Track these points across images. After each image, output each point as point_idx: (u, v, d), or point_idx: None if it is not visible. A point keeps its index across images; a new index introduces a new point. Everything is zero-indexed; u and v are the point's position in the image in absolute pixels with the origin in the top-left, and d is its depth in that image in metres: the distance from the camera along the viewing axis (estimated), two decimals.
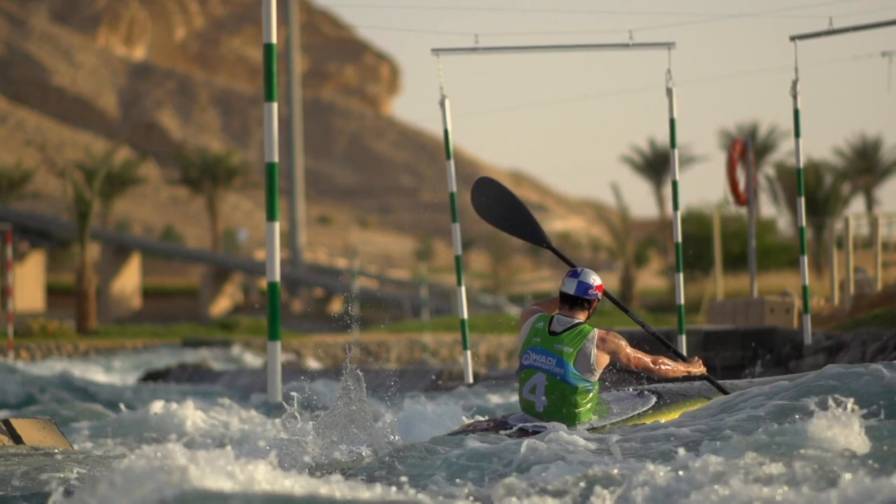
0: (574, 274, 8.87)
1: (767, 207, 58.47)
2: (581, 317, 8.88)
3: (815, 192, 53.00)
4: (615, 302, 9.74)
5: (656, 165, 66.77)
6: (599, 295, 8.89)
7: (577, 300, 8.84)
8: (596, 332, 8.80)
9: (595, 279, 8.86)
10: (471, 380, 13.64)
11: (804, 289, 13.84)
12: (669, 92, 13.06)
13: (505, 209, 9.90)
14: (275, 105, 8.06)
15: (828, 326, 19.01)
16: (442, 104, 13.22)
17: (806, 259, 13.72)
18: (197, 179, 73.90)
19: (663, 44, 13.14)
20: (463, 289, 13.38)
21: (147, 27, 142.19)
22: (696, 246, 47.37)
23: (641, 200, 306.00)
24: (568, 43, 14.10)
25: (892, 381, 8.32)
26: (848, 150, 65.15)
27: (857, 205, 62.46)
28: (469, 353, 13.42)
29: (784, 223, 58.79)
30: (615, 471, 6.99)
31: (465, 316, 13.37)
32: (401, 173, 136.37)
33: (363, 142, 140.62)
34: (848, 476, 6.53)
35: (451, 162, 13.28)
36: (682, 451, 7.16)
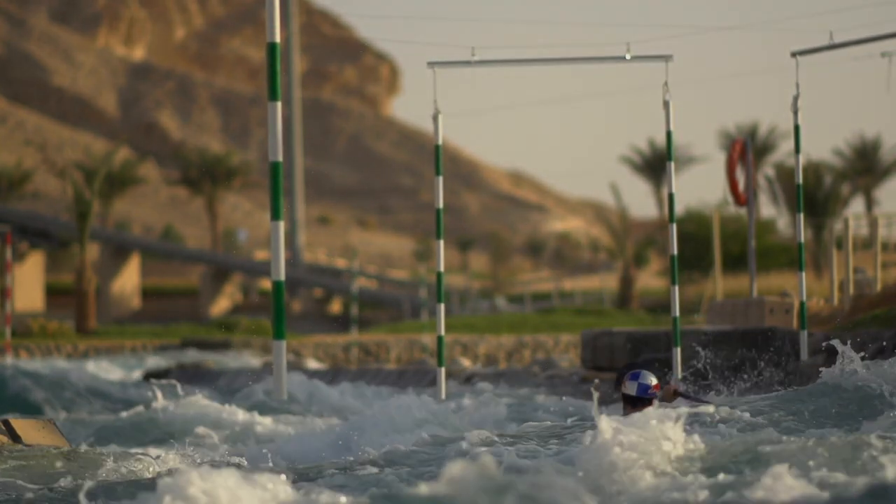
0: (634, 376, 9.85)
1: (767, 208, 58.49)
2: None
3: (814, 192, 52.96)
4: (688, 397, 10.74)
5: (656, 166, 66.73)
6: (659, 394, 9.84)
7: (638, 400, 9.77)
8: None
9: (652, 380, 9.86)
10: (443, 396, 13.72)
11: (801, 305, 13.85)
12: (666, 104, 13.01)
13: None
14: (278, 105, 8.04)
15: (827, 327, 18.99)
16: (435, 119, 13.15)
17: (804, 275, 13.74)
18: (197, 179, 73.91)
19: (661, 56, 13.10)
20: (442, 306, 13.37)
21: (147, 27, 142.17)
22: (695, 246, 47.31)
23: (641, 201, 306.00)
24: (565, 56, 14.07)
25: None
26: (847, 150, 65.15)
27: (857, 205, 62.48)
28: (443, 370, 13.42)
29: (784, 223, 58.79)
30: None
31: (443, 332, 13.36)
32: (400, 173, 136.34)
33: (363, 142, 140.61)
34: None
35: (440, 178, 13.21)
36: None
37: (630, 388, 9.78)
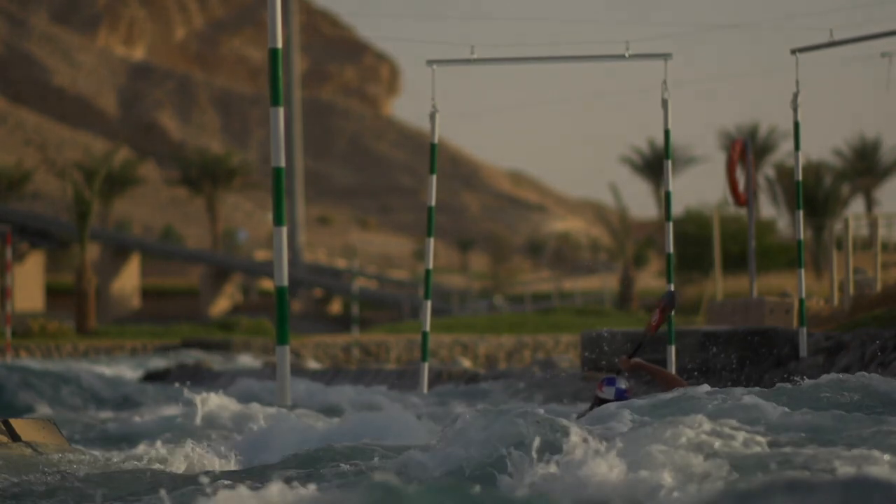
0: (610, 382, 10.43)
1: (767, 208, 58.51)
2: None
3: (814, 192, 52.96)
4: (646, 366, 11.22)
5: (656, 166, 66.70)
6: (631, 397, 10.32)
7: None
8: None
9: (625, 384, 10.46)
10: (425, 391, 13.78)
11: (801, 302, 13.85)
12: (665, 103, 12.97)
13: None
14: (281, 110, 8.01)
15: (827, 327, 18.99)
16: (432, 118, 13.14)
17: (803, 273, 13.72)
18: (197, 180, 73.92)
19: (660, 55, 13.05)
20: (429, 303, 13.45)
21: (147, 27, 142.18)
22: (695, 246, 47.33)
23: (641, 201, 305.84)
24: (564, 54, 14.05)
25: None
26: (847, 150, 65.15)
27: (857, 205, 62.48)
28: (426, 364, 13.49)
29: (784, 224, 58.80)
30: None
31: (428, 328, 13.42)
32: (400, 173, 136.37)
33: (363, 142, 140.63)
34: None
35: (434, 177, 13.24)
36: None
37: (608, 393, 10.39)
